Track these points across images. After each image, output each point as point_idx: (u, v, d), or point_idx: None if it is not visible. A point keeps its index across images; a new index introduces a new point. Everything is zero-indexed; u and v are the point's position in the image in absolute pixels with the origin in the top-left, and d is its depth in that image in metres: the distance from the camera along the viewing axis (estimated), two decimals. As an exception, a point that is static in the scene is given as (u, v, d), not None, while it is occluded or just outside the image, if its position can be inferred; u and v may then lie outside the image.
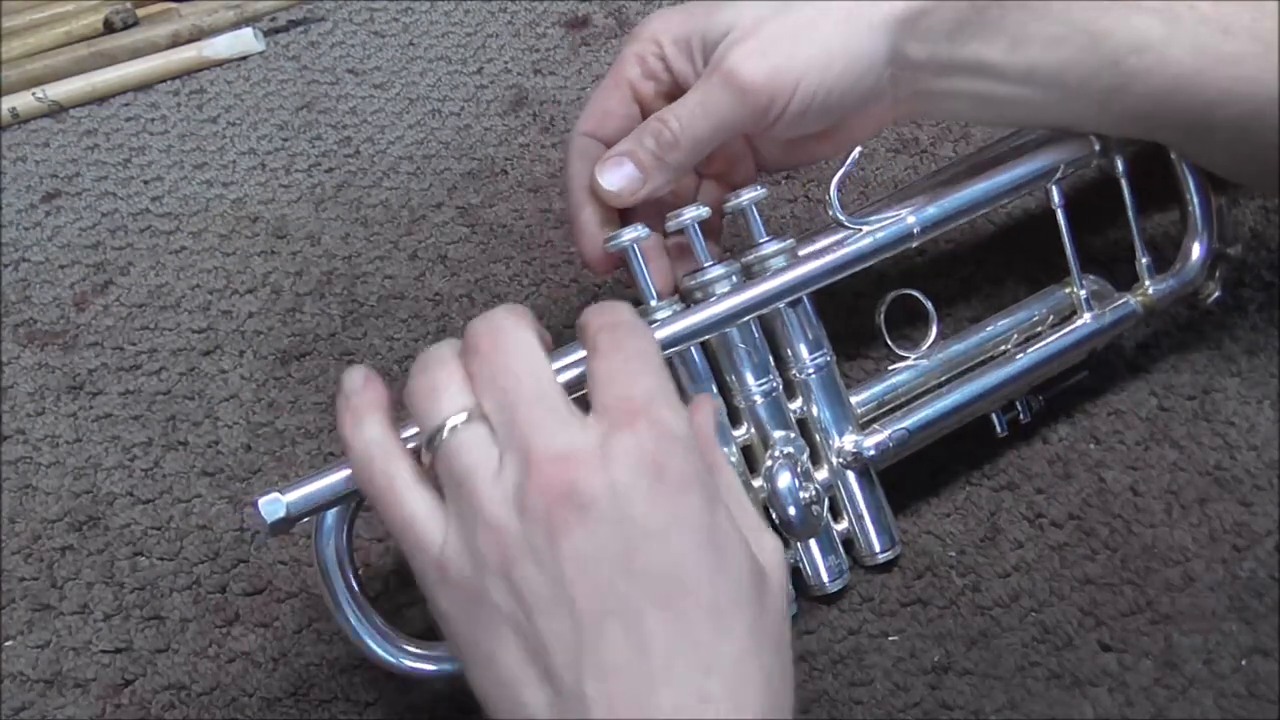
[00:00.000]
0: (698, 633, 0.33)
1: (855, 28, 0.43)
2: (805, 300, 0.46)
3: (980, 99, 0.45)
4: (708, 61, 0.44)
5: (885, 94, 0.45)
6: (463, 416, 0.36)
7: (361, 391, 0.39)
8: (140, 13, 0.75)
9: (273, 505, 0.40)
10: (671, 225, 0.45)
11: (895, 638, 0.47)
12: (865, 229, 0.46)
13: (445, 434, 0.36)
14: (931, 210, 0.47)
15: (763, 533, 0.38)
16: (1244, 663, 0.45)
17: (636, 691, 0.33)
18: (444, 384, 0.37)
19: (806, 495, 0.45)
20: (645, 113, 0.46)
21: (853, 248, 0.46)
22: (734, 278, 0.45)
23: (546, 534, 0.33)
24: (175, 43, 0.74)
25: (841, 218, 0.46)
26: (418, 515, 0.36)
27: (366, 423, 0.38)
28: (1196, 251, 0.51)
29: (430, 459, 0.37)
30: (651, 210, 0.47)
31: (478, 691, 0.36)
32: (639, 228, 0.44)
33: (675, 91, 0.46)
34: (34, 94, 0.71)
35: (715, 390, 0.45)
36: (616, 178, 0.44)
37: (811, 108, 0.44)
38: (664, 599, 0.33)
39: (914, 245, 0.47)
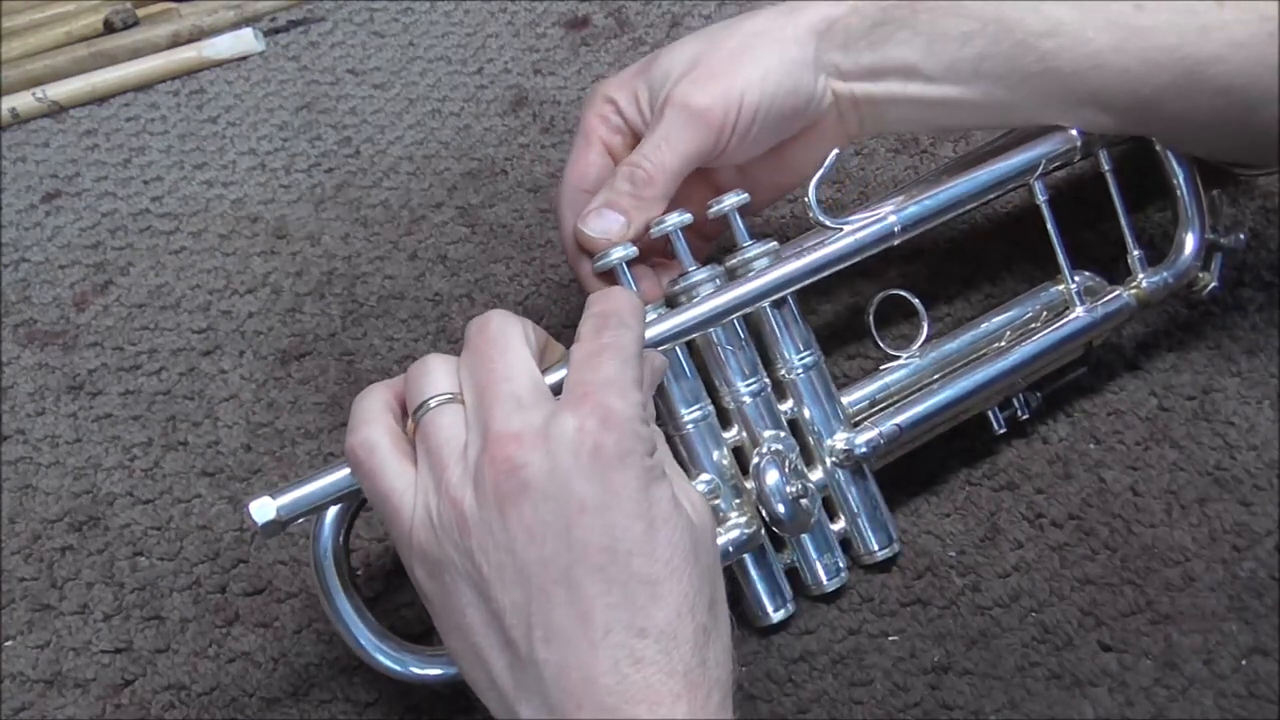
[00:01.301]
0: (633, 599, 0.36)
1: (781, 42, 0.47)
2: (790, 301, 0.47)
3: (920, 103, 0.47)
4: (654, 107, 0.47)
5: (828, 107, 0.48)
6: (445, 397, 0.39)
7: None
8: (140, 13, 0.75)
9: (263, 508, 0.41)
10: (655, 232, 0.46)
11: (895, 638, 0.47)
12: (846, 229, 0.47)
13: (426, 409, 0.39)
14: (913, 209, 0.47)
15: (691, 491, 0.40)
16: (1244, 663, 0.45)
17: (579, 654, 0.35)
18: (435, 369, 0.41)
19: (793, 490, 0.45)
20: (617, 164, 0.48)
21: (833, 248, 0.46)
22: (717, 280, 0.46)
23: (497, 507, 0.36)
24: (175, 43, 0.74)
25: (822, 218, 0.46)
26: (395, 487, 0.39)
27: (368, 394, 0.41)
28: (1189, 243, 0.51)
29: (413, 430, 0.40)
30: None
31: (454, 659, 0.39)
32: (627, 246, 0.45)
33: (637, 142, 0.48)
34: (34, 94, 0.72)
35: (704, 391, 0.46)
36: (600, 225, 0.46)
37: (759, 118, 0.46)
38: (601, 568, 0.36)
39: (895, 244, 0.47)
